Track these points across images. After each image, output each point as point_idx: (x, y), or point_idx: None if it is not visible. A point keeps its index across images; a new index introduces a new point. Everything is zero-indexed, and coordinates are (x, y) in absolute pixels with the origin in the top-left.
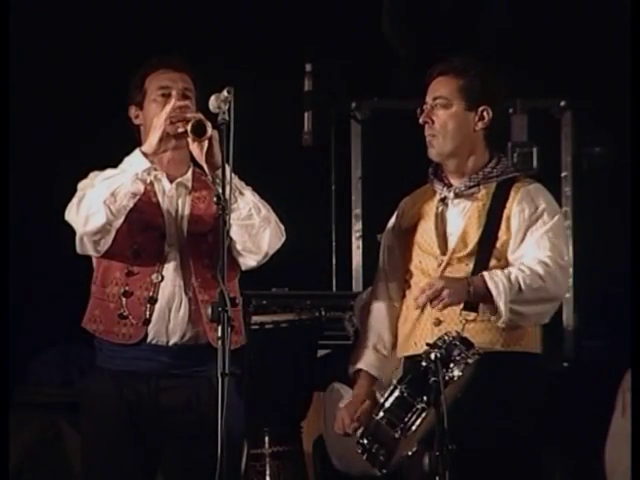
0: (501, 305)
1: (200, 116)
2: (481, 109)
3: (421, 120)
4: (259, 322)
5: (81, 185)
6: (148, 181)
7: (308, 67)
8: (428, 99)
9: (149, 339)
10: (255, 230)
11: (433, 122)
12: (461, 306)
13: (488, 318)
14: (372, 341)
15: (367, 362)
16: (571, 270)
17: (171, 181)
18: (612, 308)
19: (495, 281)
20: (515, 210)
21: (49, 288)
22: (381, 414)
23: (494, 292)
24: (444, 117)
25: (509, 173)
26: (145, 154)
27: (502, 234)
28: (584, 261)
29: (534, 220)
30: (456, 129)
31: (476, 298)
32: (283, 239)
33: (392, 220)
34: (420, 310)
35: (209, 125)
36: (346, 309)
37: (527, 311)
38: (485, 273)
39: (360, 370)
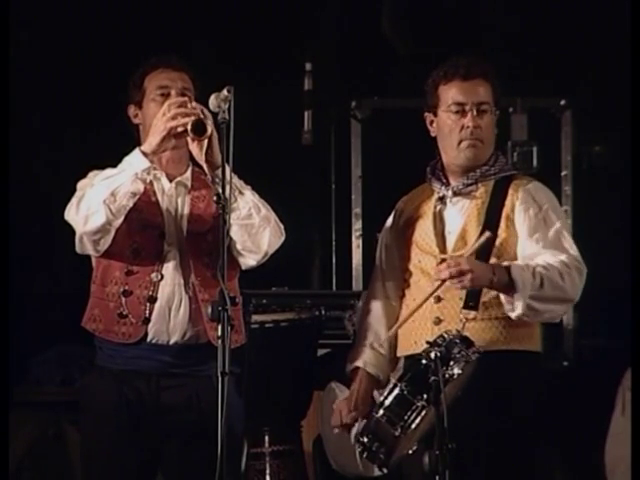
0: (521, 298)
1: (201, 115)
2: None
3: (471, 123)
4: (259, 321)
5: (80, 184)
6: (148, 180)
7: (308, 67)
8: (466, 100)
9: (149, 338)
10: (255, 230)
11: (480, 127)
12: (461, 305)
13: (489, 317)
14: (369, 339)
15: (364, 360)
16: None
17: (170, 180)
18: (612, 308)
19: (519, 273)
20: (518, 209)
21: (49, 288)
22: (381, 412)
23: (517, 282)
24: (488, 123)
25: (507, 171)
26: (145, 153)
27: (502, 232)
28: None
29: (541, 220)
30: (493, 136)
31: (497, 287)
32: (283, 238)
33: (390, 219)
34: (420, 309)
35: (209, 124)
36: (346, 308)
37: (542, 308)
38: (511, 264)
39: (357, 368)
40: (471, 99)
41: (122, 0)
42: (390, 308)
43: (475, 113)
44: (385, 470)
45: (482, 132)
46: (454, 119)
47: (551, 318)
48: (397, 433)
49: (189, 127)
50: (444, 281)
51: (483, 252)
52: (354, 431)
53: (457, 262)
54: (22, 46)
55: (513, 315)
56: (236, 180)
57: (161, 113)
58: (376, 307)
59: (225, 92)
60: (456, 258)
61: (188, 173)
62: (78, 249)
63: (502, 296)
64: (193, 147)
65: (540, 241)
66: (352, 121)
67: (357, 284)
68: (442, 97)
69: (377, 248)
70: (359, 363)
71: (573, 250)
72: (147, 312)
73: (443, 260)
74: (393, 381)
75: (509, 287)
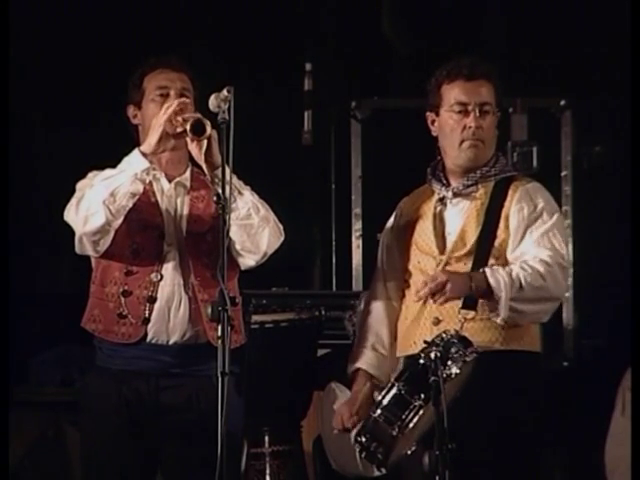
0: (501, 302)
1: (199, 115)
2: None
3: (473, 123)
4: (259, 321)
5: (80, 185)
6: (147, 181)
7: (308, 67)
8: (469, 100)
9: (149, 338)
10: (254, 230)
11: (482, 128)
12: (460, 305)
13: (487, 317)
14: (371, 340)
15: (366, 361)
16: (571, 270)
17: (170, 180)
18: (612, 308)
19: (496, 277)
20: (514, 209)
21: (49, 288)
22: (379, 411)
23: (495, 288)
24: (490, 124)
25: (507, 172)
26: (144, 154)
27: (501, 233)
28: (584, 261)
29: (533, 219)
30: (494, 137)
31: (477, 293)
32: (282, 239)
33: (391, 220)
34: (419, 309)
35: (208, 124)
36: (346, 308)
37: (526, 309)
38: (487, 269)
39: (359, 369)
40: (474, 99)
41: (122, 0)
42: (391, 309)
43: (477, 113)
44: (384, 470)
45: (484, 133)
46: (456, 119)
47: (539, 318)
48: (395, 433)
49: (188, 127)
50: (426, 300)
51: (482, 253)
52: (353, 431)
53: (433, 277)
54: (22, 47)
55: (498, 319)
56: (235, 180)
57: (161, 115)
58: (377, 308)
59: (225, 92)
60: (432, 274)
61: (187, 173)
62: (78, 250)
63: (484, 302)
64: (192, 147)
65: (529, 239)
66: (352, 121)
67: (357, 284)
68: (445, 97)
69: (378, 249)
70: (361, 365)
71: (560, 247)
72: (147, 312)
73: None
74: (391, 381)
75: (489, 293)
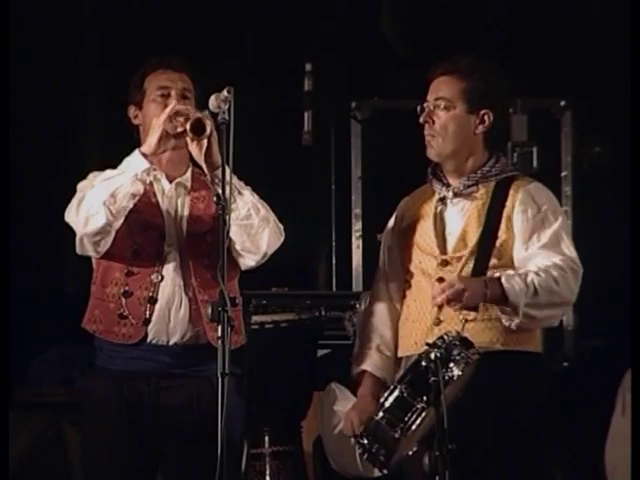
0: (517, 309)
1: (199, 115)
2: (482, 112)
3: (421, 119)
4: (259, 322)
5: (81, 186)
6: (148, 181)
7: (308, 67)
8: (429, 98)
9: (149, 339)
10: (254, 230)
11: (433, 122)
12: None
13: (488, 317)
14: (375, 342)
15: (372, 363)
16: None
17: (170, 181)
18: (612, 308)
19: (512, 284)
20: (517, 210)
21: (49, 288)
22: (381, 414)
23: (511, 295)
24: (445, 118)
25: (508, 172)
26: (144, 154)
27: (502, 233)
28: (584, 261)
29: (539, 221)
30: (456, 132)
31: (492, 300)
32: (282, 239)
33: (391, 220)
34: (420, 309)
35: (209, 124)
36: (346, 309)
37: (540, 315)
38: (502, 275)
39: (364, 371)
40: (432, 96)
41: (123, 0)
42: (394, 310)
43: (432, 108)
44: (385, 471)
45: (436, 127)
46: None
47: (550, 323)
48: (397, 435)
49: (188, 127)
50: (442, 306)
51: (483, 253)
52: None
53: (451, 284)
54: (23, 45)
55: (512, 325)
56: (235, 181)
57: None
58: (380, 309)
59: (225, 92)
60: (449, 280)
61: (188, 174)
62: (78, 250)
63: (498, 307)
64: (193, 147)
65: (536, 242)
66: (352, 122)
67: (357, 285)
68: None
69: (380, 249)
70: (367, 367)
71: (569, 251)
72: (147, 313)
73: (445, 262)
74: (393, 382)
75: (503, 299)
